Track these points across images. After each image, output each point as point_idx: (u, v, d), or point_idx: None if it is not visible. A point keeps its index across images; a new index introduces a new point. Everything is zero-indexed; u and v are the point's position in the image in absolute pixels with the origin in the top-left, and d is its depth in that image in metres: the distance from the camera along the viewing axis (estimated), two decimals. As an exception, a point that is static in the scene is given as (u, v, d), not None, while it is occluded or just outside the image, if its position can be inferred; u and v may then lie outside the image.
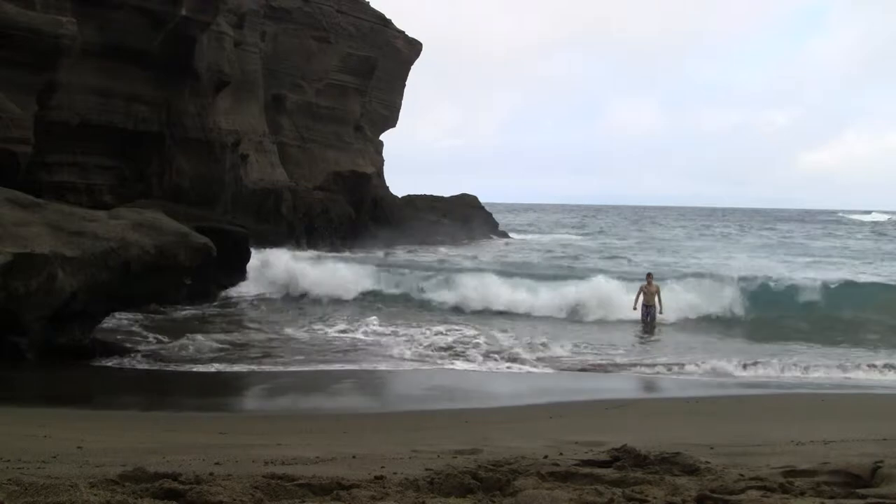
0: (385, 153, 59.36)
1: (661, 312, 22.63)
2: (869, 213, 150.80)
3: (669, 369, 15.63)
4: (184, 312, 21.27)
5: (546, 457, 5.59)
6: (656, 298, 22.75)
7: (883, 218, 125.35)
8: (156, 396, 12.29)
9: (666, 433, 8.25)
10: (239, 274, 25.53)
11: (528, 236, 72.32)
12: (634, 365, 16.14)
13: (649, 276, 24.00)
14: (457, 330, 20.10)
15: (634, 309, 22.64)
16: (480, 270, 29.32)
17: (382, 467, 5.23)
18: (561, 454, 5.88)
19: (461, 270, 29.62)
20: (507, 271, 30.10)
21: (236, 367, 14.66)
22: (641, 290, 23.08)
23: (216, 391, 12.70)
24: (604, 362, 16.37)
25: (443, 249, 46.76)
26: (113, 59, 27.00)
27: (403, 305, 25.49)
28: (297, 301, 25.87)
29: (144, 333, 17.79)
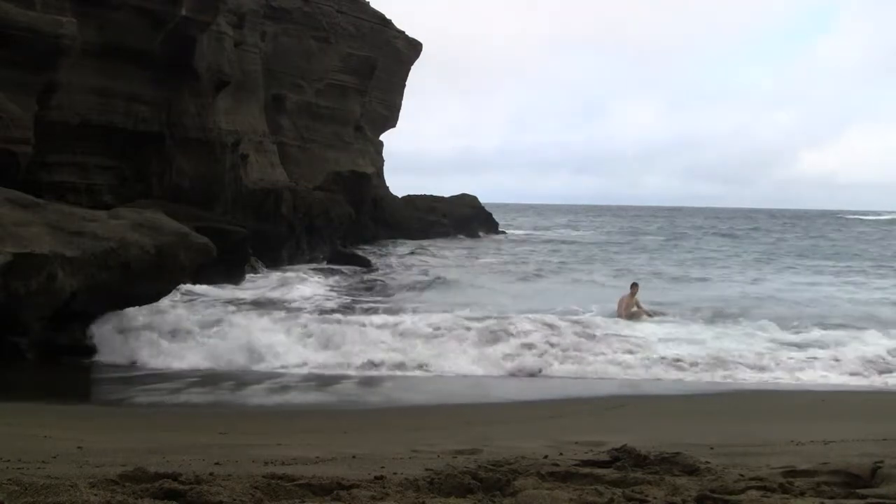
0: (385, 153, 59.47)
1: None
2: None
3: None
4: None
5: (546, 457, 5.58)
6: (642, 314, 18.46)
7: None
8: (156, 396, 12.28)
9: (666, 433, 8.23)
10: (238, 274, 25.53)
11: (528, 232, 72.98)
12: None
13: (633, 286, 19.46)
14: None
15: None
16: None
17: (382, 467, 5.22)
18: (561, 454, 5.88)
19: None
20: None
21: (236, 367, 14.65)
22: (621, 303, 18.78)
23: (216, 391, 12.70)
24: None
25: (448, 253, 46.02)
26: (113, 59, 26.96)
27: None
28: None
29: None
